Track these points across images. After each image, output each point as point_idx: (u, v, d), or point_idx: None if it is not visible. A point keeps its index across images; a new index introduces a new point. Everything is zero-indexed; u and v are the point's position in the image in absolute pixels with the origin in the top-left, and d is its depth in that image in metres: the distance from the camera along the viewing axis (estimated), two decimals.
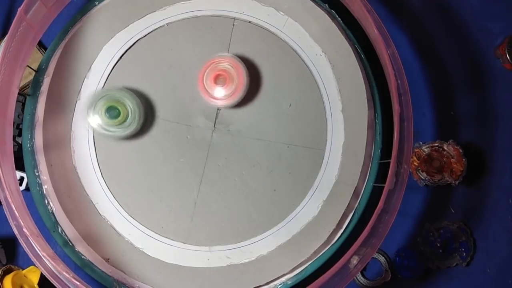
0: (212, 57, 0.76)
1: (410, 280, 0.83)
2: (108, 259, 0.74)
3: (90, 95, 0.76)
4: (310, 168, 0.77)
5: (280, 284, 0.75)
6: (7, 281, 0.76)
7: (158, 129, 0.77)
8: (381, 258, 0.83)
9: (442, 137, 0.84)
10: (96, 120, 0.73)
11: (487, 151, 0.86)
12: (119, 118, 0.74)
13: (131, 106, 0.74)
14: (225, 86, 0.75)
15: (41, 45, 0.85)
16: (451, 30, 0.89)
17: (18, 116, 0.78)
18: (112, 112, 0.74)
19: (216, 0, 0.79)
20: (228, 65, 0.75)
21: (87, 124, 0.75)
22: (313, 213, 0.76)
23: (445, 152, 0.82)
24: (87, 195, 0.76)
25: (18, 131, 0.78)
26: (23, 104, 0.78)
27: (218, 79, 0.75)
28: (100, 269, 0.74)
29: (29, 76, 0.80)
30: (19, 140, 0.77)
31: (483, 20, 0.89)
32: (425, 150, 0.82)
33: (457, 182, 0.81)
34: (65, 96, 0.77)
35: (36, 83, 0.77)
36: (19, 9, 0.69)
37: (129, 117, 0.74)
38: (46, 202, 0.75)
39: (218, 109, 0.78)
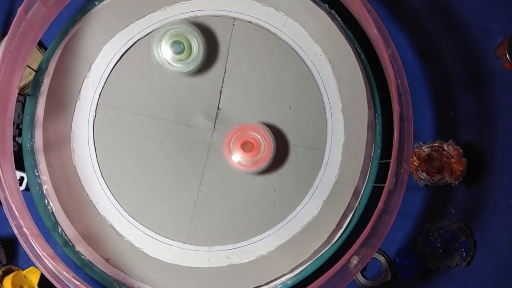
0: (240, 125, 0.76)
1: (410, 280, 0.83)
2: (108, 259, 0.74)
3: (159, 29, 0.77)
4: (310, 168, 0.77)
5: (280, 284, 0.75)
6: (7, 281, 0.76)
7: (158, 129, 0.77)
8: (381, 258, 0.83)
9: (442, 137, 0.84)
10: (161, 54, 0.75)
11: (487, 151, 0.86)
12: (184, 54, 0.75)
13: (196, 42, 0.75)
14: (252, 154, 0.75)
15: (41, 45, 0.85)
16: (451, 30, 0.89)
17: (18, 116, 0.78)
18: (177, 47, 0.75)
19: (216, 0, 0.79)
20: (256, 133, 0.75)
21: (154, 57, 0.76)
22: (313, 213, 0.76)
23: (445, 152, 0.82)
24: (87, 195, 0.76)
25: (18, 131, 0.78)
26: (23, 104, 0.78)
27: (245, 146, 0.75)
28: (100, 269, 0.74)
29: (29, 76, 0.80)
30: (19, 140, 0.77)
31: (483, 20, 0.89)
32: (425, 150, 0.82)
33: (457, 182, 0.81)
34: (65, 96, 0.77)
35: (36, 83, 0.77)
36: (19, 9, 0.69)
37: (193, 53, 0.76)
38: (46, 202, 0.75)
39: (218, 109, 0.78)
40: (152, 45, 0.76)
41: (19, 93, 0.73)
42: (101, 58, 0.78)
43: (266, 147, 0.75)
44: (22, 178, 0.78)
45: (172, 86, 0.78)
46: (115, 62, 0.78)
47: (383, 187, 0.68)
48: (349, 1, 0.76)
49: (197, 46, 0.76)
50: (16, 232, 0.66)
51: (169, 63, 0.75)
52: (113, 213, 0.75)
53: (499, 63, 0.88)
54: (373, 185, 0.76)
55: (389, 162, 0.68)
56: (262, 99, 0.78)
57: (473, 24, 0.89)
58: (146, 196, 0.76)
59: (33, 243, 0.66)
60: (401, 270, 0.82)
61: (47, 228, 0.74)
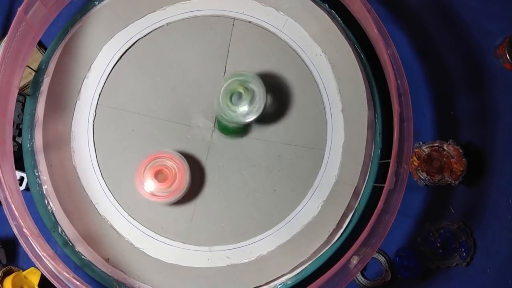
0: (153, 152, 0.73)
1: (410, 280, 0.83)
2: (108, 259, 0.74)
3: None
4: (310, 168, 0.77)
5: (280, 284, 0.75)
6: (7, 282, 0.76)
7: (158, 129, 0.77)
8: (381, 258, 0.83)
9: (442, 137, 0.84)
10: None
11: (487, 151, 0.86)
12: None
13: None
14: (166, 183, 0.72)
15: (41, 45, 0.85)
16: (451, 30, 0.89)
17: (18, 116, 0.78)
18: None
19: (216, 0, 0.79)
20: (170, 161, 0.72)
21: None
22: (313, 213, 0.76)
23: (445, 152, 0.82)
24: (87, 195, 0.75)
25: (18, 131, 0.78)
26: (23, 104, 0.78)
27: (158, 176, 0.72)
28: (100, 269, 0.74)
29: (29, 76, 0.80)
30: (19, 140, 0.77)
31: (483, 20, 0.89)
32: (425, 150, 0.82)
33: (457, 182, 0.82)
34: (65, 96, 0.77)
35: (36, 83, 0.77)
36: (19, 9, 0.69)
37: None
38: (46, 202, 0.75)
39: None
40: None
41: (19, 93, 0.73)
42: (101, 58, 0.78)
43: (180, 176, 0.72)
44: (22, 178, 0.78)
45: (172, 86, 0.78)
46: (115, 62, 0.78)
47: (383, 187, 0.68)
48: (349, 1, 0.76)
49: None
50: (16, 232, 0.66)
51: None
52: (113, 213, 0.75)
53: (499, 63, 0.88)
54: (373, 185, 0.76)
55: (389, 162, 0.68)
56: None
57: (473, 24, 0.89)
58: None
59: (33, 243, 0.66)
60: (401, 270, 0.82)
61: (47, 228, 0.74)
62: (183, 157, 0.73)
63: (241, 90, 0.71)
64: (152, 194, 0.72)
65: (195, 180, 0.76)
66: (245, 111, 0.71)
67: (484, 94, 0.88)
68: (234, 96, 0.72)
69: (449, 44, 0.89)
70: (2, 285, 0.76)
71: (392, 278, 0.82)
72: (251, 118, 0.71)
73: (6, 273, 0.78)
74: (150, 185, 0.72)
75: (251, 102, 0.71)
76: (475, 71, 0.88)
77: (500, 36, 0.88)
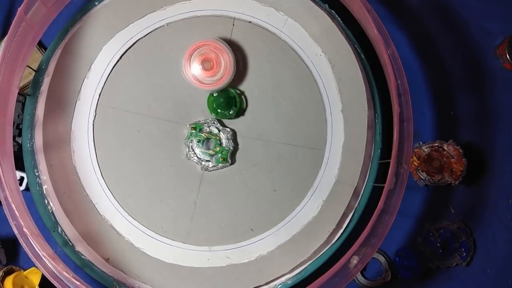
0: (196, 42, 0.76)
1: (410, 280, 0.83)
2: (108, 259, 0.75)
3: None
4: (310, 168, 0.77)
5: (280, 284, 0.75)
6: (8, 282, 0.76)
7: (158, 129, 0.77)
8: (381, 258, 0.83)
9: (442, 137, 0.84)
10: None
11: (487, 151, 0.86)
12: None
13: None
14: (212, 71, 0.75)
15: (41, 45, 0.85)
16: (451, 30, 0.89)
17: (18, 116, 0.78)
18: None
19: (216, 0, 0.79)
20: (213, 49, 0.75)
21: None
22: (313, 213, 0.76)
23: (445, 152, 0.82)
24: (87, 195, 0.76)
25: (18, 131, 0.78)
26: (23, 104, 0.78)
27: (204, 64, 0.75)
28: (100, 269, 0.74)
29: (29, 76, 0.80)
30: (19, 140, 0.77)
31: (483, 20, 0.89)
32: (425, 150, 0.82)
33: (457, 182, 0.82)
34: (65, 96, 0.77)
35: (36, 83, 0.77)
36: (19, 9, 0.69)
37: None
38: (46, 202, 0.75)
39: None
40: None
41: (19, 93, 0.73)
42: (101, 58, 0.77)
43: (227, 66, 0.75)
44: (22, 178, 0.78)
45: (172, 86, 0.78)
46: (115, 62, 0.78)
47: (383, 187, 0.68)
48: (349, 1, 0.76)
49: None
50: (16, 232, 0.66)
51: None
52: (113, 213, 0.75)
53: (499, 63, 0.88)
54: (373, 185, 0.76)
55: (389, 162, 0.68)
56: (262, 99, 0.78)
57: (473, 24, 0.89)
58: (146, 196, 0.76)
59: (33, 243, 0.66)
60: (401, 270, 0.82)
61: (47, 228, 0.74)
62: (230, 49, 0.76)
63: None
64: (198, 81, 0.74)
65: (195, 180, 0.76)
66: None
67: (484, 94, 0.88)
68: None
69: (449, 44, 0.88)
70: (2, 284, 0.76)
71: (392, 278, 0.82)
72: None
73: (7, 273, 0.78)
74: (196, 71, 0.75)
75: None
76: (475, 71, 0.88)
77: (500, 36, 0.88)
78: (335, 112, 0.78)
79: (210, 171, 0.76)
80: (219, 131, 0.76)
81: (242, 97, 0.77)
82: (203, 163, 0.75)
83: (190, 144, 0.76)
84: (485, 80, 0.88)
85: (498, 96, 0.87)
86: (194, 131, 0.76)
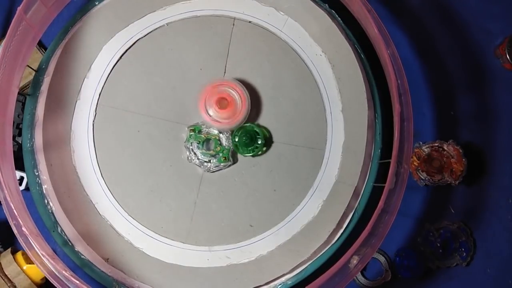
0: (213, 81, 0.76)
1: (410, 280, 0.83)
2: (108, 259, 0.74)
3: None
4: (310, 168, 0.77)
5: (280, 284, 0.75)
6: (19, 256, 0.76)
7: (158, 128, 0.77)
8: (381, 258, 0.83)
9: (442, 137, 0.84)
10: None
11: (487, 151, 0.86)
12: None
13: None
14: (228, 109, 0.75)
15: (41, 45, 0.85)
16: (451, 30, 0.89)
17: (18, 116, 0.78)
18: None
19: (216, 0, 0.79)
20: (230, 88, 0.75)
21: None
22: (313, 213, 0.76)
23: (445, 152, 0.82)
24: (87, 195, 0.75)
25: (18, 131, 0.78)
26: (23, 104, 0.78)
27: (221, 103, 0.75)
28: (99, 269, 0.74)
29: (29, 76, 0.80)
30: (18, 140, 0.77)
31: (483, 20, 0.89)
32: (425, 150, 0.82)
33: (457, 182, 0.81)
34: (65, 95, 0.77)
35: (36, 83, 0.77)
36: (19, 8, 0.69)
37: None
38: (46, 202, 0.75)
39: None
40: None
41: (19, 93, 0.73)
42: (101, 58, 0.78)
43: (242, 104, 0.75)
44: (21, 178, 0.78)
45: (172, 86, 0.78)
46: (115, 62, 0.78)
47: (383, 187, 0.68)
48: (349, 1, 0.76)
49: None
50: (15, 231, 0.66)
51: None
52: (112, 213, 0.75)
53: (499, 63, 0.88)
54: (373, 185, 0.76)
55: (389, 162, 0.68)
56: (262, 99, 0.78)
57: (473, 24, 0.89)
58: (146, 196, 0.76)
59: (32, 243, 0.66)
60: (401, 270, 0.82)
61: (47, 227, 0.74)
62: (244, 87, 0.75)
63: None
64: (214, 120, 0.74)
65: (195, 180, 0.76)
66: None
67: (484, 94, 0.88)
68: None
69: (449, 44, 0.88)
70: (16, 259, 0.76)
71: (392, 278, 0.82)
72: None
73: (13, 252, 0.78)
74: (212, 110, 0.75)
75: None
76: (475, 71, 0.88)
77: (500, 36, 0.88)
78: (335, 112, 0.78)
79: (213, 171, 0.76)
80: (218, 131, 0.76)
81: (262, 128, 0.77)
82: (205, 164, 0.75)
83: (190, 146, 0.76)
84: (485, 80, 0.88)
85: (498, 96, 0.87)
86: (193, 133, 0.76)
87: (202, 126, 0.76)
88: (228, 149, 0.76)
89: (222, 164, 0.76)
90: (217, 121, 0.75)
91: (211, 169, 0.76)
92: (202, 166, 0.76)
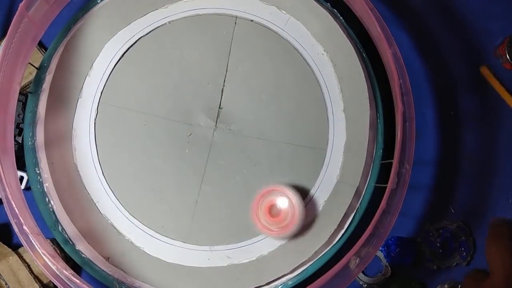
0: (266, 188, 0.75)
1: (411, 269, 0.83)
2: (108, 258, 0.74)
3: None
4: (311, 168, 0.77)
5: (281, 284, 0.75)
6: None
7: (159, 127, 0.77)
8: (380, 254, 0.83)
9: (442, 137, 0.84)
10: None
11: (487, 151, 0.86)
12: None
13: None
14: (279, 218, 0.73)
15: (41, 45, 0.85)
16: (451, 30, 0.89)
17: (18, 116, 0.77)
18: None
19: None
20: (283, 197, 0.74)
21: None
22: (315, 213, 0.76)
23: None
24: (88, 193, 0.75)
25: (18, 130, 0.78)
26: (24, 104, 0.77)
27: (272, 210, 0.74)
28: (100, 268, 0.74)
29: (29, 76, 0.80)
30: (19, 139, 0.77)
31: (483, 20, 0.89)
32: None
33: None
34: (66, 93, 0.77)
35: (37, 81, 0.77)
36: (20, 5, 0.69)
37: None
38: (47, 200, 0.74)
39: (219, 107, 0.77)
40: None
41: (20, 92, 0.73)
42: (102, 56, 0.77)
43: (294, 213, 0.73)
44: (22, 178, 0.77)
45: (173, 85, 0.78)
46: (117, 60, 0.77)
47: (385, 187, 0.68)
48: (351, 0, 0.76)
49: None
50: (16, 230, 0.65)
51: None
52: (113, 212, 0.75)
53: (499, 63, 0.88)
54: (375, 185, 0.76)
55: (390, 162, 0.68)
56: (264, 98, 0.78)
57: (473, 24, 0.89)
58: (147, 195, 0.76)
59: (33, 241, 0.66)
60: (400, 258, 0.82)
61: (48, 226, 0.74)
62: (297, 192, 0.73)
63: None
64: (266, 228, 0.73)
65: (196, 179, 0.76)
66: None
67: (484, 94, 0.88)
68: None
69: (449, 44, 0.89)
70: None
71: (392, 273, 0.82)
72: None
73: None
74: (264, 218, 0.73)
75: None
76: (475, 71, 0.88)
77: (500, 36, 0.88)
78: (336, 111, 0.78)
79: None
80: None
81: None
82: None
83: None
84: (485, 80, 0.88)
85: (498, 96, 0.87)
86: None
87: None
88: None
89: None
90: (268, 228, 0.73)
91: None
92: None
